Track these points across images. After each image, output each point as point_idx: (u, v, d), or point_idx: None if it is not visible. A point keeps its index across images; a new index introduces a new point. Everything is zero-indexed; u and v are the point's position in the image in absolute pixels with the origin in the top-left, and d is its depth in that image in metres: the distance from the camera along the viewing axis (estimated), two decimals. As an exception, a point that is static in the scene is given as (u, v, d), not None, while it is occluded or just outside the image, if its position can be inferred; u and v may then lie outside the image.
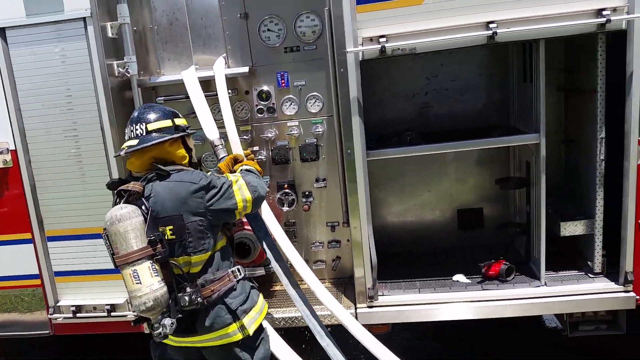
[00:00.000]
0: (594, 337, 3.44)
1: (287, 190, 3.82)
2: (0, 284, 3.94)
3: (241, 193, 2.74)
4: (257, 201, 2.84)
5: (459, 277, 3.70)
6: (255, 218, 3.24)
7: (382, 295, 3.58)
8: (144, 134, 2.64)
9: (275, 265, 3.21)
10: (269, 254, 3.22)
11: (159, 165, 2.64)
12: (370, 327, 3.54)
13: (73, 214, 3.72)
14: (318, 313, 3.34)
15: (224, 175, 2.88)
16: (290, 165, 3.84)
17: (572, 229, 3.45)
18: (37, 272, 3.84)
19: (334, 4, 3.23)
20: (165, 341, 2.77)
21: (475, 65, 4.18)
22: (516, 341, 4.22)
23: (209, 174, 2.83)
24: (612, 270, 3.35)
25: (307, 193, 3.83)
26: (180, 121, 2.79)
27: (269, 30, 3.67)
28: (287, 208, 3.84)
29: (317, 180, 3.81)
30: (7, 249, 3.87)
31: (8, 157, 3.70)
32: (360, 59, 3.27)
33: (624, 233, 3.21)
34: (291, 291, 3.23)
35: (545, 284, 3.39)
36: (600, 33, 3.12)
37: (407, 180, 4.34)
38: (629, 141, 3.12)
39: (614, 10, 2.99)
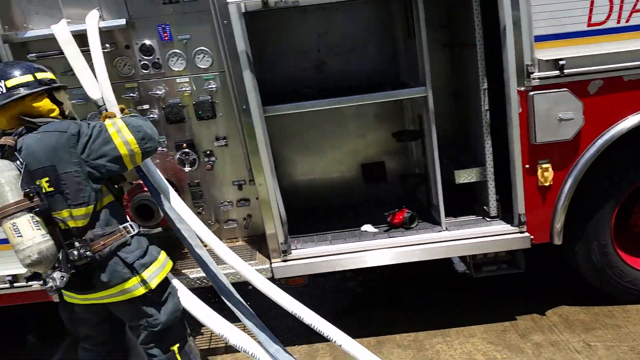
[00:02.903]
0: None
1: (186, 150, 4.01)
2: None
3: (120, 136, 2.90)
4: (144, 143, 2.96)
5: (367, 227, 4.17)
6: (150, 182, 3.40)
7: (296, 249, 3.98)
8: (4, 91, 2.84)
9: (176, 229, 3.36)
10: (169, 218, 3.36)
11: (26, 118, 2.86)
12: (286, 281, 4.03)
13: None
14: (226, 272, 3.65)
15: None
16: (187, 124, 4.01)
17: (466, 176, 3.93)
18: None
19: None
20: (70, 300, 3.09)
21: (363, 21, 4.53)
22: (428, 286, 4.73)
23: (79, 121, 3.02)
24: (507, 214, 3.84)
25: (208, 152, 4.06)
26: (44, 75, 2.97)
27: (146, -20, 3.78)
28: (189, 168, 4.05)
29: (217, 139, 4.03)
30: None
31: None
32: (243, 10, 3.49)
33: (513, 178, 3.68)
34: (195, 254, 3.44)
35: (447, 229, 3.91)
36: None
37: (310, 138, 4.80)
38: (509, 91, 3.52)
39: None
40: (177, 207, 3.38)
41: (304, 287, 4.46)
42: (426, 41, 3.62)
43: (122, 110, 3.38)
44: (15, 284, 3.79)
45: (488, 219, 3.88)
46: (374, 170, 4.80)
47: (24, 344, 4.72)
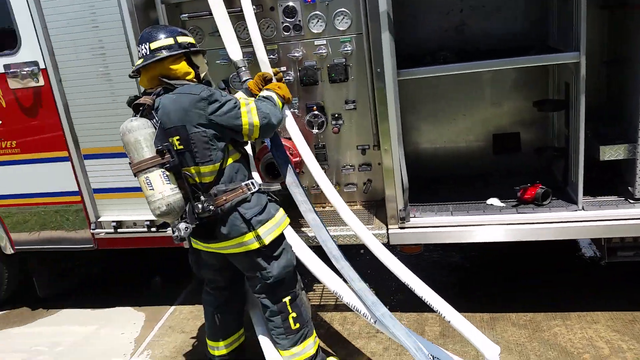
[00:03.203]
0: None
1: (316, 113, 4.09)
2: (43, 200, 4.45)
3: (249, 117, 3.12)
4: (265, 128, 3.18)
5: (493, 201, 3.96)
6: (276, 145, 3.54)
7: (414, 217, 3.92)
8: (148, 52, 3.12)
9: (293, 192, 3.52)
10: (288, 181, 3.52)
11: (165, 80, 3.10)
12: (402, 248, 4.05)
13: (106, 133, 4.08)
14: (343, 234, 3.82)
15: (239, 96, 3.26)
16: (319, 87, 4.08)
17: (612, 153, 3.61)
18: (76, 189, 4.31)
19: None
20: (196, 246, 3.41)
21: (513, -21, 4.19)
22: (550, 266, 4.47)
23: (213, 87, 3.19)
24: (654, 197, 3.45)
25: (336, 115, 4.13)
26: (184, 39, 3.19)
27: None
28: (317, 130, 4.13)
29: (346, 102, 4.06)
30: (46, 167, 4.32)
31: (40, 75, 4.04)
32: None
33: (667, 157, 3.30)
34: (308, 217, 3.54)
35: (583, 209, 3.64)
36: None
37: (441, 104, 4.63)
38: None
39: None
40: (311, 166, 3.56)
41: (419, 255, 4.46)
42: (585, 1, 3.35)
43: (275, 74, 3.53)
44: (152, 229, 4.21)
45: (632, 201, 3.59)
46: (507, 141, 4.57)
47: (150, 284, 5.31)
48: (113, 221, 4.27)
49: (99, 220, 4.34)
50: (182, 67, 3.16)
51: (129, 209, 4.25)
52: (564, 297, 4.08)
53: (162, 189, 2.92)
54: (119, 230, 4.28)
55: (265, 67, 3.57)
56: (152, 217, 4.01)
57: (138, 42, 3.20)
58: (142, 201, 3.95)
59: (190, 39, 3.25)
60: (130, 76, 3.32)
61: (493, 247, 4.09)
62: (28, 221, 4.51)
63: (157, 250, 4.46)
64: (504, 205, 3.92)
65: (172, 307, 4.76)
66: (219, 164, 3.12)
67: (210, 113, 3.02)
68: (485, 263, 4.86)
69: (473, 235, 3.79)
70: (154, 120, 3.03)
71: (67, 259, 4.93)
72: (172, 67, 3.12)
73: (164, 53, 3.09)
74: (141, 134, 2.96)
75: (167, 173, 2.96)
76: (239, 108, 3.10)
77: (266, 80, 3.41)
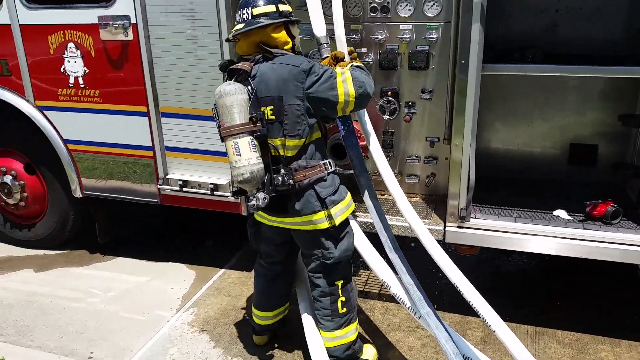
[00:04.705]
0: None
1: (390, 98, 4.21)
2: (116, 150, 4.73)
3: (345, 87, 3.16)
4: (361, 99, 3.21)
5: (560, 213, 3.97)
6: (347, 126, 3.56)
7: (475, 217, 3.92)
8: (250, 18, 3.23)
9: (356, 175, 3.57)
10: (354, 165, 3.55)
11: (266, 47, 3.22)
12: (456, 247, 4.07)
13: (186, 94, 4.32)
14: (398, 224, 3.87)
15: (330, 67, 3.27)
16: (397, 72, 4.18)
17: None
18: (149, 144, 4.57)
19: None
20: (260, 219, 3.51)
21: (617, -19, 4.11)
22: (608, 290, 4.54)
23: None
24: None
25: (410, 103, 4.22)
26: (285, 7, 3.29)
27: None
28: (388, 117, 4.27)
29: (422, 91, 4.16)
30: (123, 119, 4.58)
31: (130, 30, 4.25)
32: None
33: None
34: (368, 202, 3.58)
35: None
36: None
37: (520, 104, 4.59)
38: None
39: None
40: (374, 152, 3.63)
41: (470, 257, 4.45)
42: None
43: (350, 53, 3.59)
44: (215, 192, 4.42)
45: None
46: (584, 152, 4.54)
47: (201, 246, 5.64)
48: (180, 180, 4.53)
49: (167, 177, 4.60)
50: (283, 35, 3.30)
51: (196, 170, 4.50)
52: (617, 322, 4.07)
53: (249, 156, 3.03)
54: (184, 189, 4.54)
55: (341, 46, 3.63)
56: (217, 181, 4.35)
57: (239, 5, 3.30)
58: (209, 164, 4.35)
59: (289, 8, 3.36)
60: (228, 40, 3.43)
61: (550, 258, 4.14)
62: (97, 168, 4.85)
63: (214, 214, 4.73)
64: (571, 218, 3.92)
65: (222, 270, 5.06)
66: (305, 139, 3.24)
67: (308, 86, 3.13)
68: (539, 273, 4.89)
69: (534, 245, 3.79)
70: (249, 87, 3.16)
71: (128, 210, 5.26)
72: (273, 35, 3.26)
73: (266, 20, 3.21)
74: (237, 99, 3.06)
75: (255, 142, 3.07)
76: (335, 77, 3.18)
77: (338, 59, 3.43)
